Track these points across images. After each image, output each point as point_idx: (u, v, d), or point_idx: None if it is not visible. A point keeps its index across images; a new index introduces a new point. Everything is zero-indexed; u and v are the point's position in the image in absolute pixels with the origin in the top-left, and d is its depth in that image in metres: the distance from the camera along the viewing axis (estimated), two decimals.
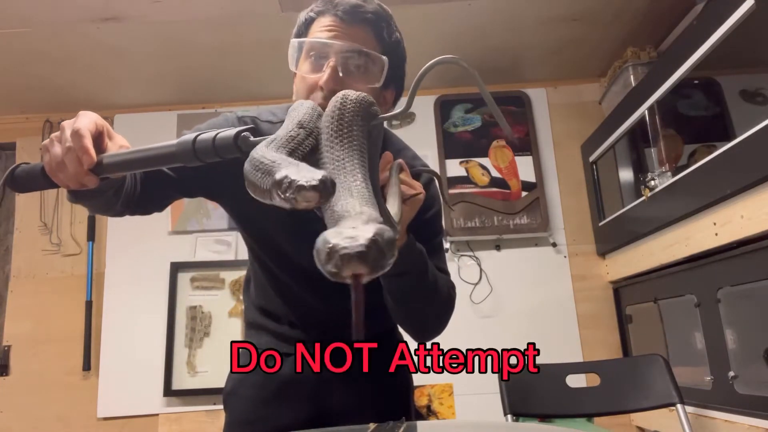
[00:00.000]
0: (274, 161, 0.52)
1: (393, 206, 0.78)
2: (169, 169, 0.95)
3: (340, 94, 0.67)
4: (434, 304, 1.00)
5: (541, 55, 2.64)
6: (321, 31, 0.95)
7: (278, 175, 0.47)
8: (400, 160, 0.89)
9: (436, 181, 1.09)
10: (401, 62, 1.02)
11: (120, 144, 0.77)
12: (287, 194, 0.46)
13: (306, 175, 0.47)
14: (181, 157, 0.67)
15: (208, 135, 0.66)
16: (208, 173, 0.86)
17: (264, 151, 0.57)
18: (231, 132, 0.65)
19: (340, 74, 0.92)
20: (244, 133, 0.65)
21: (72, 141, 0.70)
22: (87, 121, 0.72)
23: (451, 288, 1.05)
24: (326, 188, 0.46)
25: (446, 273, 1.07)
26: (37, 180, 0.74)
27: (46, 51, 2.32)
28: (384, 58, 0.96)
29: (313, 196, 0.46)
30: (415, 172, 0.95)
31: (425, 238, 0.98)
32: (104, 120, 0.77)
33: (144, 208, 0.96)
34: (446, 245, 2.59)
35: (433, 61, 0.74)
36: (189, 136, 0.69)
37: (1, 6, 2.02)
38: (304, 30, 1.00)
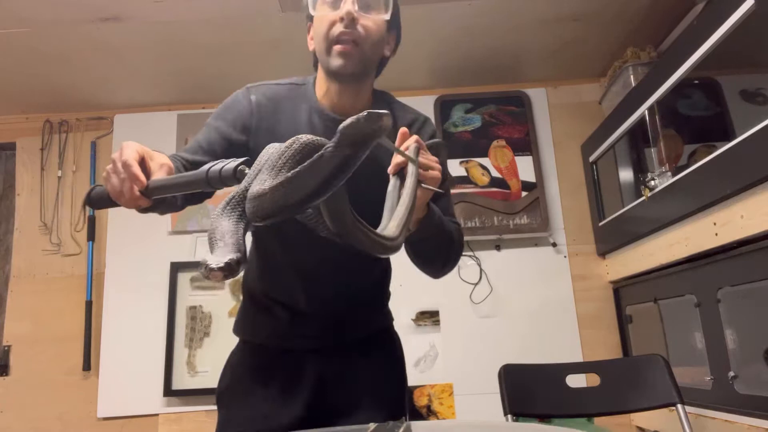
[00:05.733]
0: (213, 238, 0.67)
1: (408, 189, 0.84)
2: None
3: (293, 138, 0.71)
4: (450, 253, 1.11)
5: (541, 55, 2.63)
6: None
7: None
8: (417, 139, 0.93)
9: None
10: (398, 9, 1.13)
11: (160, 162, 0.87)
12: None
13: (217, 259, 0.61)
14: (201, 184, 0.78)
15: (217, 167, 0.76)
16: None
17: (218, 220, 0.70)
18: (231, 165, 0.75)
19: (356, 7, 1.03)
20: (241, 167, 0.74)
21: (124, 172, 0.82)
22: (131, 151, 0.83)
23: (461, 234, 1.14)
24: (230, 269, 0.60)
25: (453, 216, 1.15)
26: (106, 201, 0.87)
27: (46, 51, 2.32)
28: None
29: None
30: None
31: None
32: (144, 146, 0.87)
33: (199, 199, 1.06)
34: None
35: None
36: (204, 167, 0.78)
37: (1, 6, 2.02)
38: None
